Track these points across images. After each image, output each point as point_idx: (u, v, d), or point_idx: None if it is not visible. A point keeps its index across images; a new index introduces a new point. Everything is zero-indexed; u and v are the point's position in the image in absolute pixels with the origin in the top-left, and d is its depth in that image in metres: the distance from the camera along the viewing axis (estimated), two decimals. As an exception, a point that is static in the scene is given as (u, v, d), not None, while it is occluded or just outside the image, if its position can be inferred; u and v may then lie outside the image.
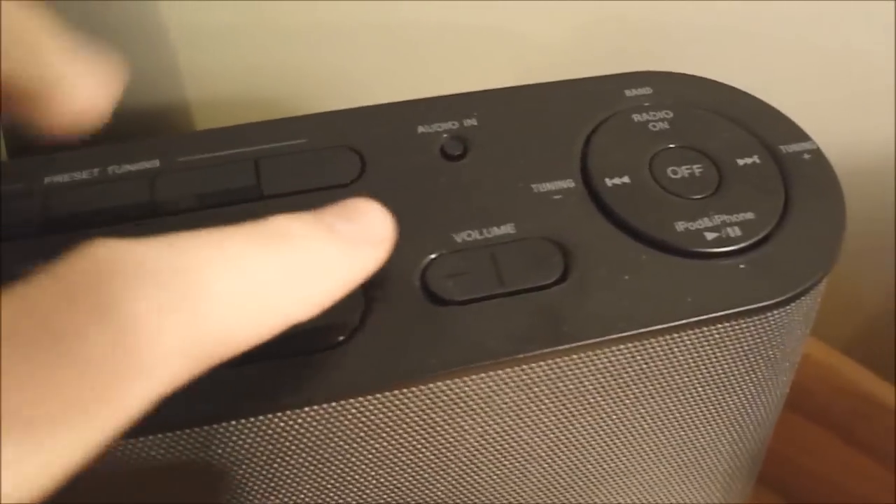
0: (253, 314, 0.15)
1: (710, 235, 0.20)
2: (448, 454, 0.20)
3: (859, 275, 0.37)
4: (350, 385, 0.18)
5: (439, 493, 0.21)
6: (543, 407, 0.19)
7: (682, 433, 0.22)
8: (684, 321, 0.19)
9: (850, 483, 0.33)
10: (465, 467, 0.20)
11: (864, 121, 0.35)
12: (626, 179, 0.21)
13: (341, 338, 0.18)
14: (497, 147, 0.22)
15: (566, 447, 0.21)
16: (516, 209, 0.20)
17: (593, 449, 0.21)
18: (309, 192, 0.21)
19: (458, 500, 0.21)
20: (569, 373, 0.19)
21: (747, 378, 0.21)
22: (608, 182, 0.21)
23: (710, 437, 0.22)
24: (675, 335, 0.19)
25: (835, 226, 0.21)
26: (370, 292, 0.19)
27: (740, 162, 0.22)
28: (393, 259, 0.19)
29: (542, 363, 0.18)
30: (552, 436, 0.20)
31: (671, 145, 0.22)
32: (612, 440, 0.21)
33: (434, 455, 0.20)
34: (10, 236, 0.20)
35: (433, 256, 0.19)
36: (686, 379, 0.20)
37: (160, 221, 0.20)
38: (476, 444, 0.20)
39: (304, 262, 0.15)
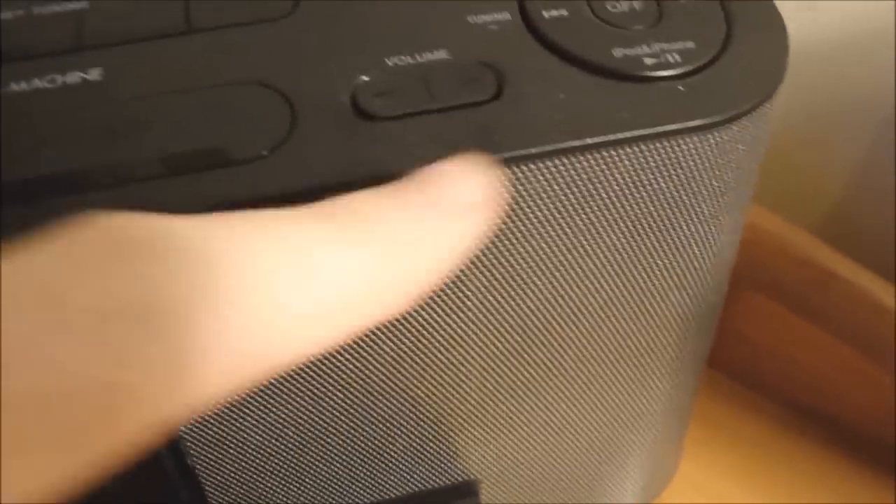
0: (323, 321, 0.13)
1: (648, 60, 0.20)
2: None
3: (825, 158, 0.37)
4: (275, 197, 0.17)
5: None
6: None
7: (630, 276, 0.21)
8: (621, 135, 0.18)
9: (799, 354, 0.32)
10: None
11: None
12: (563, 12, 0.21)
13: (265, 152, 0.18)
14: (431, -17, 0.21)
15: (505, 289, 0.20)
16: (450, 37, 0.20)
17: (537, 291, 0.21)
18: (239, 27, 0.20)
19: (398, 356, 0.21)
20: (503, 192, 0.18)
21: (691, 211, 0.20)
22: (545, 14, 0.20)
23: (658, 284, 0.22)
24: (613, 151, 0.19)
25: (777, 54, 0.20)
26: (296, 109, 0.18)
27: (681, -1, 0.21)
28: (321, 81, 0.19)
29: (474, 177, 0.18)
30: (487, 272, 0.20)
31: (611, -17, 0.21)
32: (554, 282, 0.21)
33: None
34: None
35: (364, 79, 0.19)
36: (628, 208, 0.20)
37: (86, 55, 0.20)
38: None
39: (389, 249, 0.13)
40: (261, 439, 0.22)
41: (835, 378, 0.32)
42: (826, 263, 0.29)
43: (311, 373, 0.21)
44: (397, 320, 0.20)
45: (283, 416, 0.21)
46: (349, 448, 0.23)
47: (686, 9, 0.21)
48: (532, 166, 0.18)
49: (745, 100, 0.19)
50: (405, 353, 0.21)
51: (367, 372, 0.21)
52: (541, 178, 0.19)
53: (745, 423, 0.34)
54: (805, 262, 0.29)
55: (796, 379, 0.33)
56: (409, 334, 0.20)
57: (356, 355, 0.21)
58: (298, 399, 0.21)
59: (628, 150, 0.19)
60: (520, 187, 0.18)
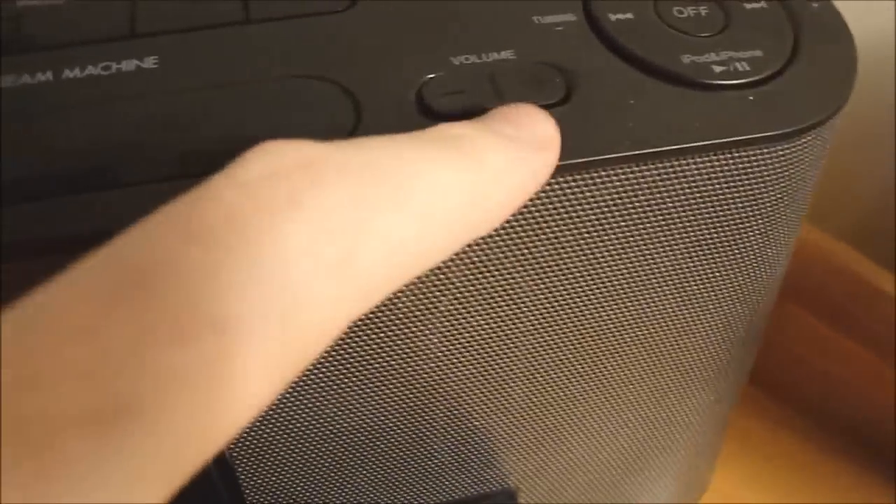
0: (442, 227, 0.14)
1: (717, 68, 0.19)
2: (438, 285, 0.19)
3: (858, 165, 0.36)
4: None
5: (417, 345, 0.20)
6: (543, 238, 0.18)
7: (690, 286, 0.21)
8: (692, 144, 0.18)
9: (836, 368, 0.32)
10: (453, 312, 0.19)
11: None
12: (630, 15, 0.20)
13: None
14: (495, -17, 0.21)
15: (564, 296, 0.20)
16: (516, 38, 0.19)
17: (595, 300, 0.20)
18: (300, 18, 0.20)
19: (450, 359, 0.20)
20: (571, 197, 0.18)
21: (754, 222, 0.20)
22: (612, 17, 0.20)
23: (716, 294, 0.21)
24: (683, 159, 0.18)
25: (845, 67, 0.20)
26: (362, 105, 0.18)
27: (748, 6, 0.21)
28: (387, 78, 0.19)
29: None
30: (547, 279, 0.19)
31: (676, -11, 0.21)
32: (615, 287, 0.20)
33: (421, 282, 0.19)
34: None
35: (430, 76, 0.18)
36: (692, 216, 0.19)
37: (141, 42, 0.19)
38: (465, 279, 0.19)
39: (485, 170, 0.14)
40: (303, 443, 0.21)
41: (873, 396, 0.31)
42: (868, 278, 0.28)
43: (358, 376, 0.20)
44: (452, 324, 0.20)
45: (328, 420, 0.21)
46: (392, 455, 0.22)
47: (752, 16, 0.21)
48: (602, 172, 0.18)
49: (816, 111, 0.19)
50: (455, 359, 0.20)
51: (415, 377, 0.21)
52: (609, 185, 0.18)
53: (779, 438, 0.34)
54: (845, 275, 0.28)
55: (833, 394, 0.33)
56: (463, 339, 0.20)
57: (406, 358, 0.20)
58: (344, 403, 0.21)
59: (697, 158, 0.18)
60: (587, 194, 0.18)
